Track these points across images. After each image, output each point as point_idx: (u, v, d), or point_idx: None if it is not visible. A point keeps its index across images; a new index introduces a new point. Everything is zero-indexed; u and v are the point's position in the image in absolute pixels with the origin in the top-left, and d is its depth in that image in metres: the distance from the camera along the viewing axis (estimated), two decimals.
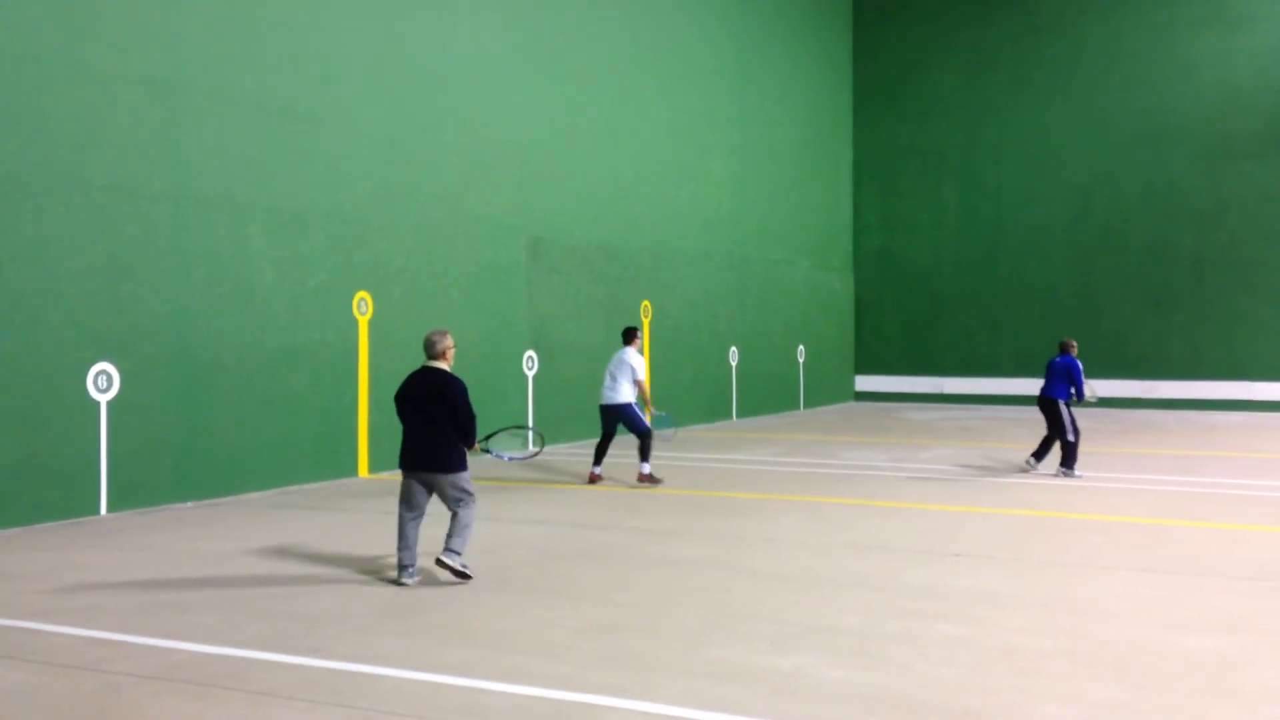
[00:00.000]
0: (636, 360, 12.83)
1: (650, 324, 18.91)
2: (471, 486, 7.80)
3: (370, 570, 8.10)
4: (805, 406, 24.01)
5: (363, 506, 11.08)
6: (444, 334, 7.99)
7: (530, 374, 16.17)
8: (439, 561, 7.59)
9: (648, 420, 12.91)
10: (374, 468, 13.48)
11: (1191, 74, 23.46)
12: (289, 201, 12.54)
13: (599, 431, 18.00)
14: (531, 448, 9.14)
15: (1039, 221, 24.90)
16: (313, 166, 12.88)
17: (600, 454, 12.79)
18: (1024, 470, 13.42)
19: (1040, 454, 13.40)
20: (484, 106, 15.49)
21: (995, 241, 25.39)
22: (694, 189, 20.42)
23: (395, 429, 13.58)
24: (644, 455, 12.54)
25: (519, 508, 10.91)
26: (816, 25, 25.37)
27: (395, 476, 13.27)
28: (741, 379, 21.60)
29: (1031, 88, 25.02)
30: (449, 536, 7.66)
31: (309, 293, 12.71)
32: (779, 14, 23.66)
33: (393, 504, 11.14)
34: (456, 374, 7.97)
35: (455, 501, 7.69)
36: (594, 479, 12.65)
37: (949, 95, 25.91)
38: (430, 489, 7.76)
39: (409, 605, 7.03)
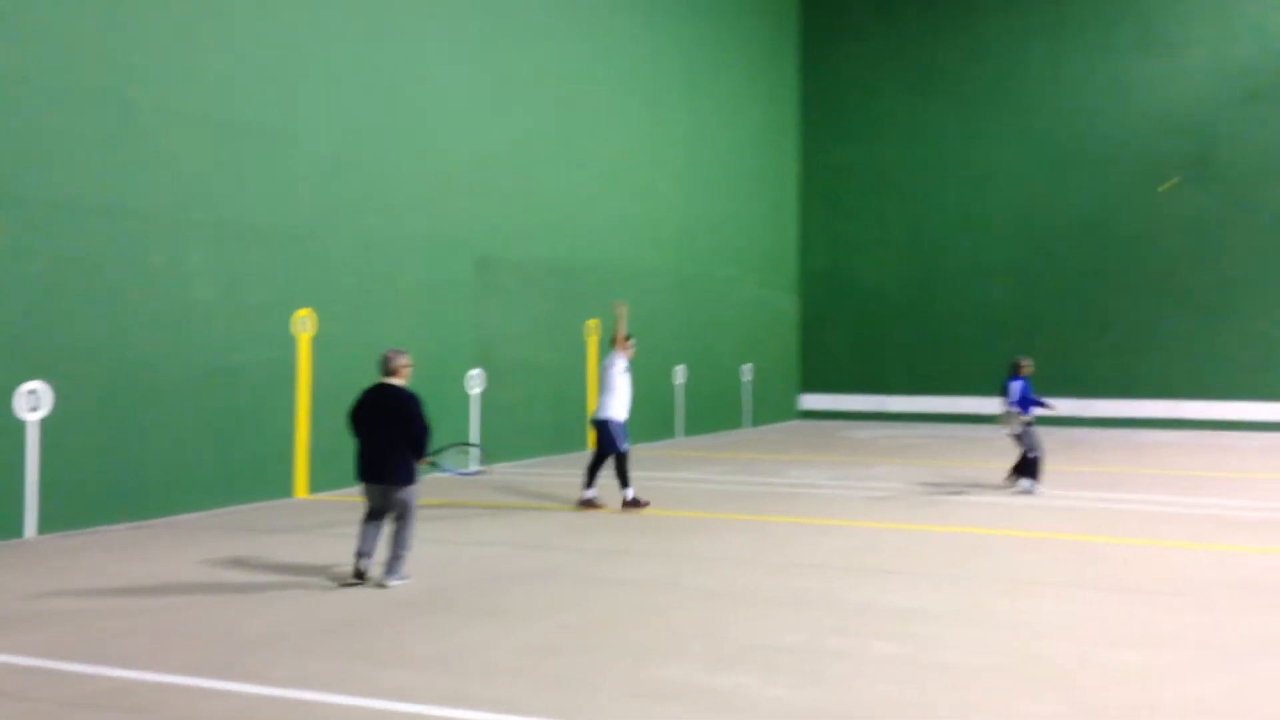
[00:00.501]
0: (607, 365, 12.11)
1: (596, 343, 18.92)
2: (415, 501, 8.19)
3: (307, 592, 7.99)
4: (751, 425, 24.14)
5: (301, 527, 10.95)
6: (400, 352, 8.45)
7: (477, 392, 16.10)
8: (381, 585, 8.03)
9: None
10: (314, 488, 13.32)
11: (1127, 98, 24.02)
12: (231, 217, 12.40)
13: (546, 449, 18.12)
14: (476, 465, 9.29)
15: (980, 242, 25.30)
16: (256, 182, 12.74)
17: (591, 475, 12.05)
18: (1022, 490, 13.35)
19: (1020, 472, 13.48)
20: (432, 123, 15.44)
21: (938, 261, 25.76)
22: (642, 207, 20.50)
23: (337, 449, 13.50)
24: (621, 479, 11.82)
25: (462, 528, 10.84)
26: (765, 47, 25.63)
27: (335, 497, 13.15)
28: (688, 397, 21.67)
29: (974, 110, 25.46)
30: (391, 560, 8.13)
31: (250, 310, 12.56)
32: (728, 35, 23.87)
33: (332, 524, 11.04)
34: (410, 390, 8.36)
35: (399, 517, 8.14)
36: (586, 503, 11.99)
37: (894, 117, 26.29)
38: (386, 499, 8.17)
39: (347, 628, 6.96)
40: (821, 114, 27.06)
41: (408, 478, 8.04)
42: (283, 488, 12.96)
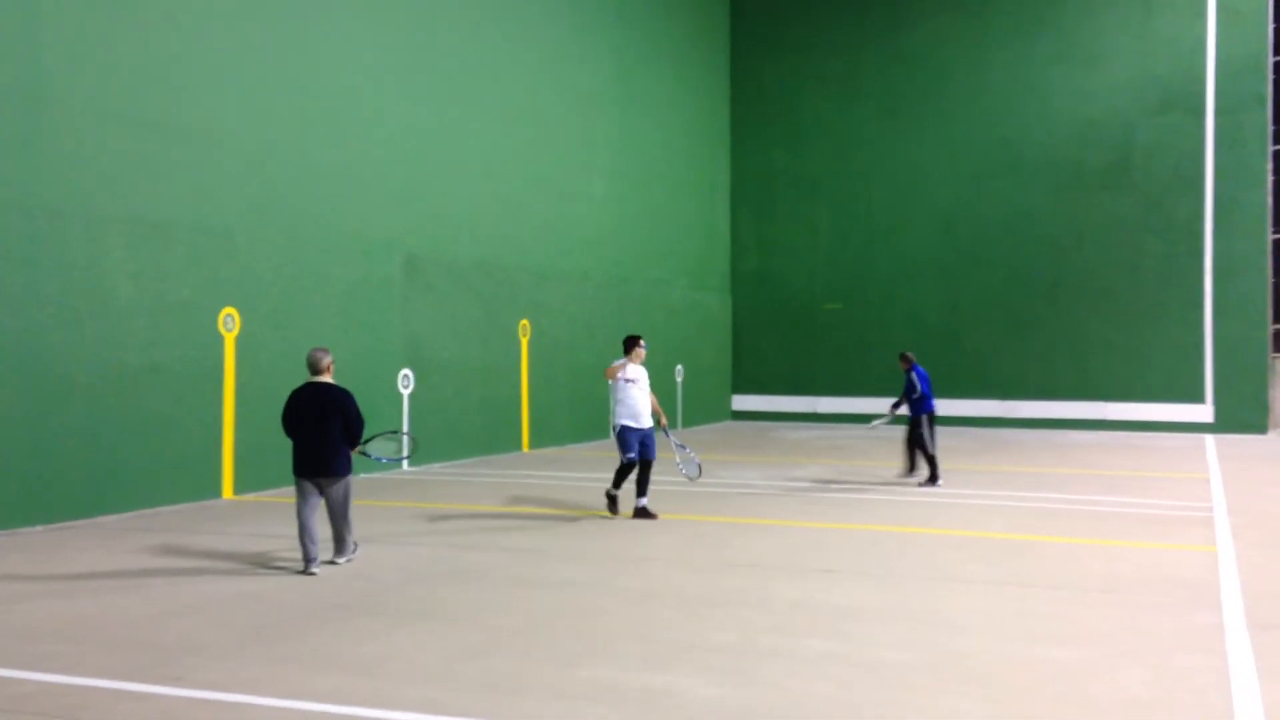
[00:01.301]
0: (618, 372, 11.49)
1: (528, 343, 18.83)
2: (351, 486, 8.85)
3: (234, 595, 7.83)
4: (684, 425, 24.20)
5: (227, 529, 10.72)
6: (325, 351, 8.93)
7: (406, 392, 15.92)
8: (333, 563, 8.80)
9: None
10: (240, 489, 13.07)
11: (1048, 107, 24.55)
12: (150, 214, 12.11)
13: (478, 450, 17.96)
14: (405, 452, 9.82)
15: (906, 247, 25.68)
16: (176, 179, 12.47)
17: (636, 483, 11.55)
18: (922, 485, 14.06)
19: (913, 469, 14.59)
20: (357, 121, 15.24)
21: (866, 265, 26.09)
22: (573, 209, 20.45)
23: (264, 449, 13.28)
24: (638, 487, 11.44)
25: (391, 529, 10.71)
26: (696, 51, 25.74)
27: (263, 498, 12.90)
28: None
29: (899, 117, 25.83)
30: (338, 542, 8.84)
31: (171, 308, 12.28)
32: (659, 40, 23.93)
33: (259, 525, 10.84)
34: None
35: (339, 504, 8.74)
36: (639, 512, 11.37)
37: (822, 123, 26.57)
38: (322, 489, 8.70)
39: (274, 631, 6.82)
40: (751, 119, 27.26)
41: (347, 467, 8.69)
42: (209, 488, 12.70)
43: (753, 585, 8.15)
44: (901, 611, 7.32)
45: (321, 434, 8.59)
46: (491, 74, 18.20)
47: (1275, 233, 23.31)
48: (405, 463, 9.48)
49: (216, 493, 12.79)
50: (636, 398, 11.33)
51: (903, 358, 14.76)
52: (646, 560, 9.13)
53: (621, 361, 11.44)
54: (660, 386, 23.35)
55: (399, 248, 15.92)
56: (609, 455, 18.19)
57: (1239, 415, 22.84)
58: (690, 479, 12.55)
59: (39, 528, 10.74)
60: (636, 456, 11.25)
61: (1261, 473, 15.93)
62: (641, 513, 11.28)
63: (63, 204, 11.16)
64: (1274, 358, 23.17)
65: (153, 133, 12.17)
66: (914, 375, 14.34)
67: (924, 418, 14.23)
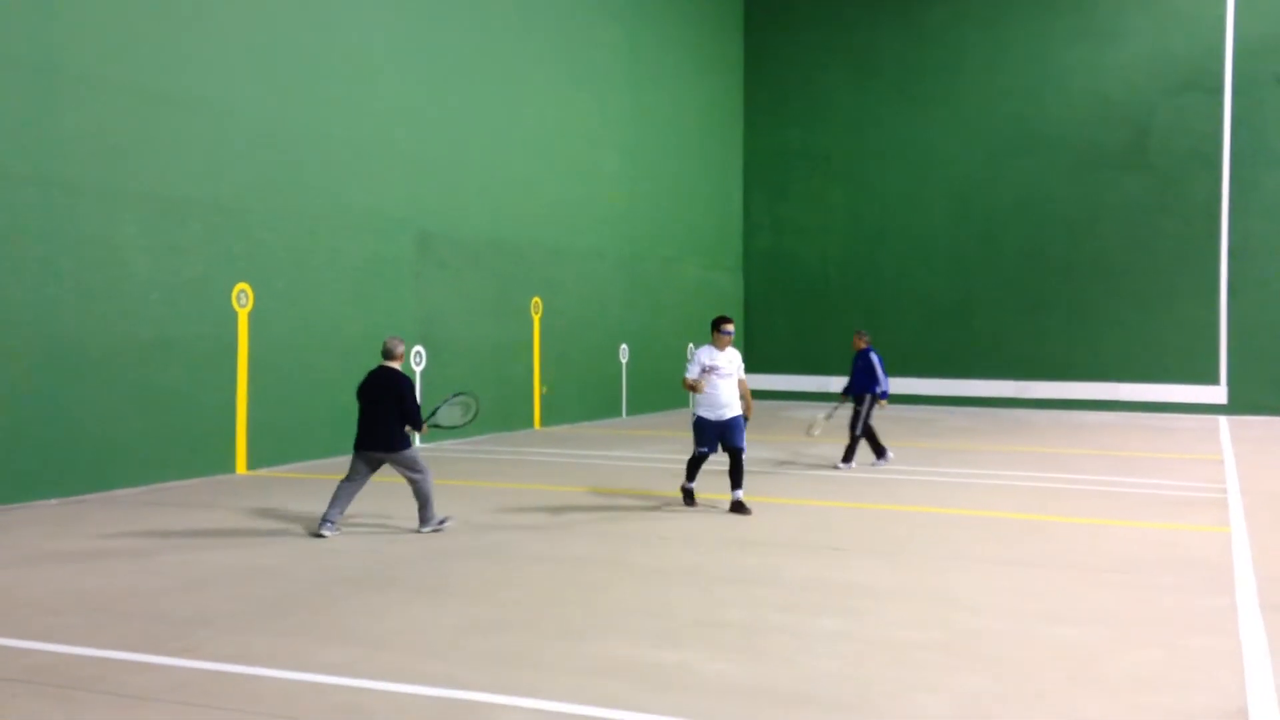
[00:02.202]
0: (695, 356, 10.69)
1: (540, 320, 18.83)
2: (421, 461, 9.33)
3: (247, 568, 7.87)
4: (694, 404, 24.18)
5: (239, 504, 10.77)
6: (399, 341, 9.56)
7: (418, 369, 15.94)
8: (420, 531, 9.28)
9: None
10: (253, 464, 13.12)
11: (1065, 85, 24.34)
12: (165, 190, 12.12)
13: (490, 427, 17.98)
14: (467, 416, 9.90)
15: (921, 226, 25.55)
16: (191, 154, 12.47)
17: (689, 471, 10.88)
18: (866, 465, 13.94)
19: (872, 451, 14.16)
20: (371, 97, 15.21)
21: (879, 245, 25.97)
22: (586, 186, 20.40)
23: (277, 425, 13.36)
24: (731, 479, 10.48)
25: (405, 505, 10.74)
26: (708, 28, 25.58)
27: (275, 473, 12.96)
28: (632, 376, 21.66)
29: (915, 95, 25.65)
30: (420, 512, 9.34)
31: (185, 284, 12.30)
32: (672, 16, 23.78)
33: (272, 499, 10.89)
34: (405, 373, 9.40)
35: (410, 476, 9.28)
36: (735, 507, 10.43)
37: (836, 100, 26.40)
38: (375, 465, 9.31)
39: (286, 604, 6.85)
40: (765, 97, 27.10)
41: (403, 443, 9.22)
42: (222, 463, 12.75)
43: (763, 563, 8.15)
44: (912, 590, 7.32)
45: (375, 414, 9.22)
46: (505, 51, 18.12)
47: None
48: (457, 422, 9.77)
49: (230, 468, 12.84)
50: (720, 388, 10.33)
51: (861, 335, 14.29)
52: (658, 538, 9.14)
53: (697, 364, 10.41)
54: (673, 365, 23.34)
55: (412, 225, 15.91)
56: (620, 433, 18.21)
57: (1253, 397, 22.72)
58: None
59: (53, 501, 10.81)
60: (708, 450, 10.42)
61: (1275, 454, 15.85)
62: (737, 507, 10.28)
63: (78, 179, 11.17)
64: None
65: (167, 108, 12.16)
66: (874, 356, 14.01)
67: (871, 396, 13.87)
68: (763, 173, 27.16)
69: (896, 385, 25.42)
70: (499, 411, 17.85)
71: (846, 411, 14.46)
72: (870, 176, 26.09)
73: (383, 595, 7.12)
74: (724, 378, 10.36)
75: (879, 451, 14.04)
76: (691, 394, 10.60)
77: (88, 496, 11.10)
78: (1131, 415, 22.80)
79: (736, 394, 10.45)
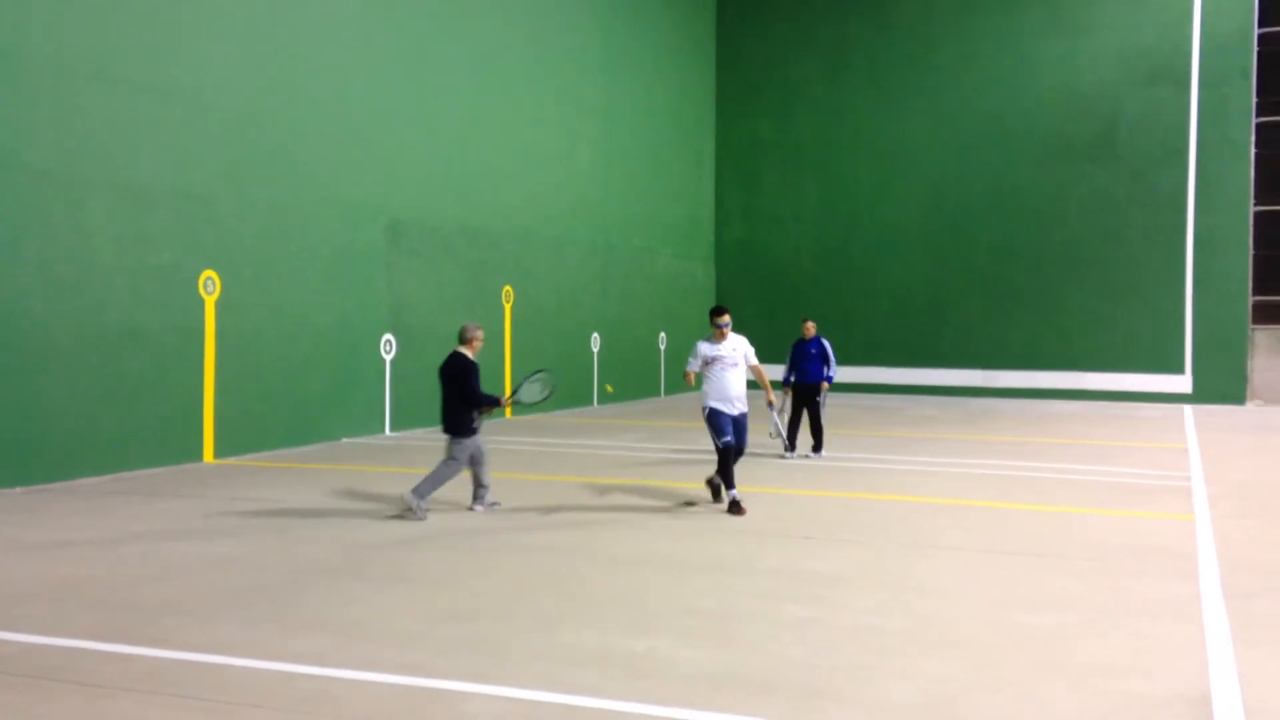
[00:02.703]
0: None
1: (512, 309, 18.79)
2: (459, 454, 9.50)
3: (215, 558, 7.82)
4: (666, 394, 24.24)
5: (207, 493, 10.70)
6: (477, 326, 9.77)
7: (389, 358, 15.87)
8: (470, 509, 9.73)
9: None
10: (221, 453, 13.03)
11: (1035, 78, 24.51)
12: (132, 177, 12.00)
13: None
14: (544, 393, 10.00)
15: (892, 217, 25.67)
16: (158, 141, 12.34)
17: (721, 467, 10.02)
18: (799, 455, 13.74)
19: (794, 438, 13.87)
20: (340, 84, 15.10)
21: (851, 236, 26.08)
22: (559, 175, 20.35)
23: (245, 414, 13.28)
24: (724, 477, 9.88)
25: (374, 493, 10.71)
26: (681, 18, 25.55)
27: (244, 462, 12.87)
28: (603, 365, 21.67)
29: (887, 87, 25.75)
30: (476, 492, 9.73)
31: (152, 271, 12.19)
32: (644, 7, 23.74)
33: (241, 489, 10.83)
34: (472, 360, 9.59)
35: (471, 463, 9.60)
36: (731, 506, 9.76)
37: (809, 92, 26.46)
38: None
39: (256, 593, 6.82)
40: (737, 88, 27.13)
41: (460, 430, 9.46)
42: (190, 452, 12.66)
43: (735, 551, 8.19)
44: (881, 578, 7.37)
45: (443, 396, 9.56)
46: (477, 40, 18.03)
47: (1257, 206, 23.39)
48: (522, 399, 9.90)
49: (197, 456, 12.75)
50: (728, 379, 9.87)
51: (810, 323, 14.26)
52: (627, 526, 9.16)
53: (696, 357, 10.07)
54: (645, 355, 23.36)
55: (383, 213, 15.82)
56: (590, 421, 18.22)
57: (1218, 386, 23.01)
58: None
59: (18, 489, 10.69)
60: (732, 440, 9.80)
61: (1238, 443, 16.07)
62: (733, 507, 9.65)
63: (45, 166, 11.03)
64: (1253, 330, 23.31)
65: (136, 95, 12.02)
66: (827, 343, 14.04)
67: (827, 384, 13.91)
68: (735, 163, 27.20)
69: (867, 375, 25.67)
70: None
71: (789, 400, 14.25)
72: (842, 167, 26.18)
73: (353, 584, 7.09)
74: (730, 368, 9.94)
75: (793, 443, 13.76)
76: (705, 386, 9.98)
77: (53, 485, 10.99)
78: (1098, 404, 23.02)
79: (743, 385, 10.04)
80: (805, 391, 13.97)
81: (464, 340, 9.69)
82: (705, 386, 10.00)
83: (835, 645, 5.80)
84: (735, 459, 9.90)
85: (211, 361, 12.91)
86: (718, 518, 9.58)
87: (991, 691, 5.09)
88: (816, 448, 13.89)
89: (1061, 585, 7.20)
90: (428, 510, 9.51)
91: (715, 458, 10.46)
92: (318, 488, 11.01)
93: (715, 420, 9.87)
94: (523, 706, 4.86)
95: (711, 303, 26.90)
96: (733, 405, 9.91)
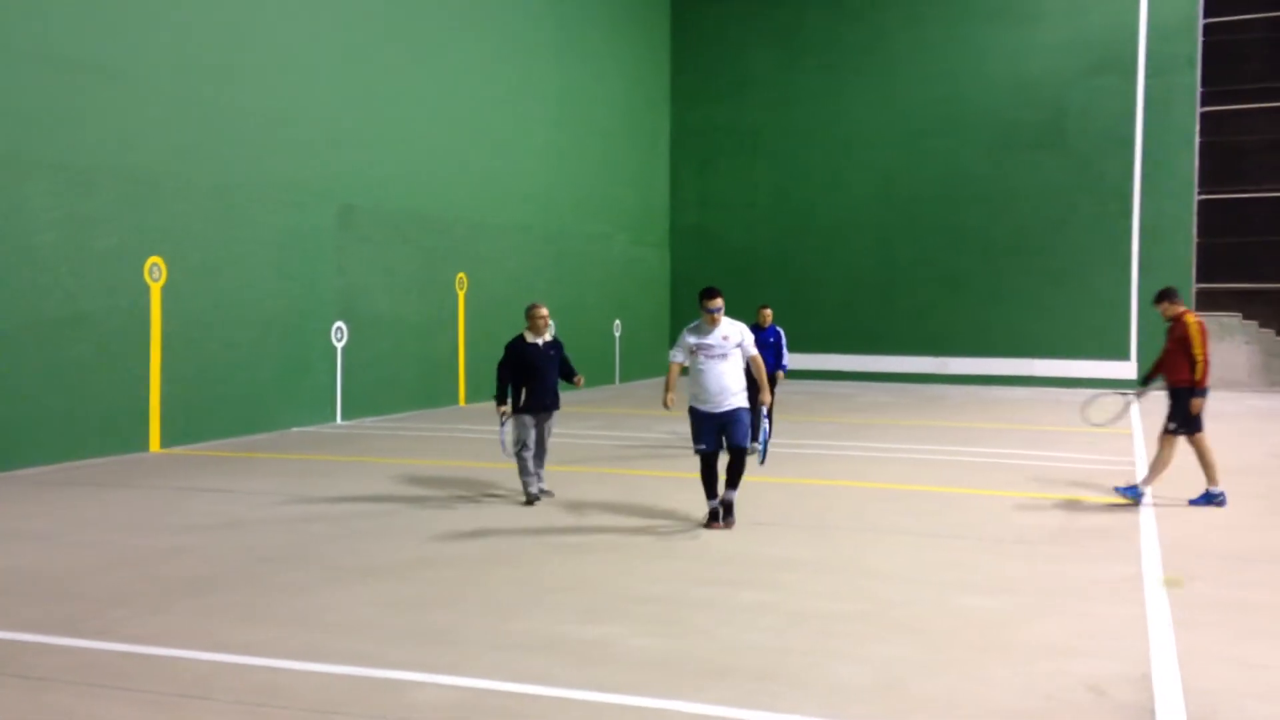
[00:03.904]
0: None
1: (466, 296, 18.68)
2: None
3: (161, 549, 7.71)
4: (621, 381, 24.23)
5: (153, 482, 10.55)
6: (533, 305, 9.92)
7: (340, 345, 15.73)
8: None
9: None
10: (167, 442, 12.85)
11: (985, 66, 24.72)
12: (74, 159, 11.76)
13: (414, 404, 17.82)
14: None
15: (845, 203, 25.81)
16: (101, 122, 12.10)
17: (705, 484, 8.75)
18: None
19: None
20: (290, 66, 14.89)
21: (805, 221, 26.19)
22: (512, 161, 20.23)
23: (191, 401, 13.09)
24: (728, 476, 8.68)
25: (324, 483, 10.62)
26: (636, 3, 25.47)
27: (191, 451, 12.70)
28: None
29: (839, 73, 25.85)
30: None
31: (95, 256, 11.97)
32: None
33: (188, 479, 10.69)
34: (517, 341, 9.75)
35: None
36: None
37: (762, 78, 26.50)
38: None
39: (203, 584, 6.74)
40: (691, 74, 27.11)
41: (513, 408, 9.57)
42: (136, 442, 12.47)
43: (688, 538, 8.21)
44: (832, 562, 7.44)
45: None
46: (428, 22, 17.85)
47: (1202, 194, 23.80)
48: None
49: (143, 446, 12.56)
50: (712, 372, 8.48)
51: (767, 309, 13.58)
52: (581, 513, 9.15)
53: (680, 348, 8.78)
54: (599, 342, 23.31)
55: (334, 197, 15.65)
56: None
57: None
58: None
59: None
60: (708, 447, 8.49)
61: None
62: (724, 510, 8.62)
63: None
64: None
65: (77, 74, 11.77)
66: (780, 331, 13.39)
67: (779, 374, 13.08)
68: (689, 149, 27.20)
69: (820, 362, 25.81)
70: (423, 388, 17.71)
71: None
72: (796, 154, 26.26)
73: (302, 574, 7.03)
74: (717, 358, 8.49)
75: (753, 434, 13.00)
76: (691, 381, 8.70)
77: None
78: (1046, 390, 23.34)
79: (738, 378, 8.53)
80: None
81: (526, 320, 9.86)
82: (689, 380, 8.68)
83: (787, 629, 5.85)
84: (738, 462, 8.56)
85: (157, 349, 12.71)
86: (669, 504, 9.61)
87: (940, 673, 5.16)
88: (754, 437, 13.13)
89: (1008, 568, 7.30)
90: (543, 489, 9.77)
91: (690, 453, 9.20)
92: (266, 477, 10.90)
93: (692, 422, 8.60)
94: (473, 695, 4.85)
95: (666, 289, 26.93)
96: (717, 402, 8.44)
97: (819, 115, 26.00)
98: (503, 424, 9.66)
